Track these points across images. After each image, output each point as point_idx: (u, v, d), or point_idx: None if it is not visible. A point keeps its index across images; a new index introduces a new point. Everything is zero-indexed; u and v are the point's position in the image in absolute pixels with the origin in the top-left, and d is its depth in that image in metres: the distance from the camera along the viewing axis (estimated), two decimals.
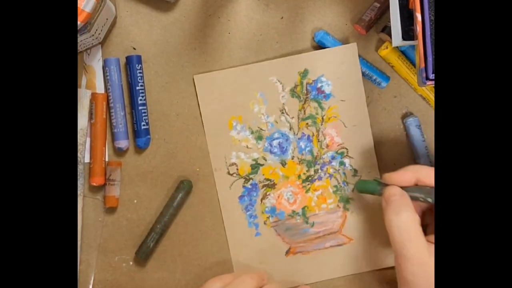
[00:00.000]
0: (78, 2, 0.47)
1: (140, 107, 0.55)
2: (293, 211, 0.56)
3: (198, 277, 0.56)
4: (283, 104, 0.56)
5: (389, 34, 0.54)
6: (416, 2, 0.47)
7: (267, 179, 0.56)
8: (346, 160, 0.56)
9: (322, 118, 0.56)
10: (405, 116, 0.56)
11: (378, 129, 0.56)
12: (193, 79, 0.56)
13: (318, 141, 0.56)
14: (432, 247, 0.46)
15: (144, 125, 0.55)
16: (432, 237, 0.48)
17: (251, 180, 0.56)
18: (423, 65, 0.47)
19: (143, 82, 0.55)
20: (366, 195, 0.56)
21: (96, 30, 0.52)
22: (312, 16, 0.56)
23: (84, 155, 0.55)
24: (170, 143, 0.56)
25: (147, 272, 0.56)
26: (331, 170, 0.56)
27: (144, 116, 0.55)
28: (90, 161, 0.55)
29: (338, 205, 0.57)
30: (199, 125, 0.56)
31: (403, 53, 0.56)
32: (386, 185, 0.50)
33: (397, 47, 0.55)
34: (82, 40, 0.52)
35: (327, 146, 0.56)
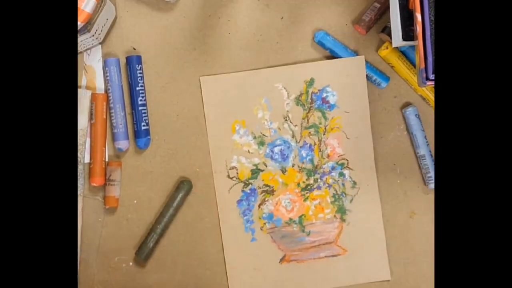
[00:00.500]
0: (78, 2, 0.47)
1: (140, 108, 0.55)
2: (290, 219, 0.56)
3: (198, 277, 0.56)
4: (287, 111, 0.56)
5: (389, 35, 0.54)
6: (416, 2, 0.47)
7: (266, 185, 0.56)
8: (346, 172, 0.56)
9: (325, 128, 0.56)
10: (404, 106, 0.56)
11: (377, 129, 0.56)
12: (199, 81, 0.56)
13: (320, 151, 0.56)
14: None
15: (144, 125, 0.55)
16: None
17: (250, 185, 0.56)
18: (423, 65, 0.47)
19: (143, 83, 0.55)
20: (364, 208, 0.56)
21: (96, 30, 0.52)
22: (312, 16, 0.56)
23: (84, 156, 0.55)
24: (170, 144, 0.56)
25: (147, 273, 0.56)
26: (330, 180, 0.56)
27: (144, 116, 0.55)
28: (90, 162, 0.55)
29: (335, 216, 0.57)
30: (199, 126, 0.56)
31: (403, 53, 0.56)
32: None
33: (397, 47, 0.55)
34: (82, 41, 0.52)
35: (328, 156, 0.56)
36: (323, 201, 0.56)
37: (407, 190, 0.57)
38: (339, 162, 0.56)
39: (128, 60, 0.55)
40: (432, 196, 0.57)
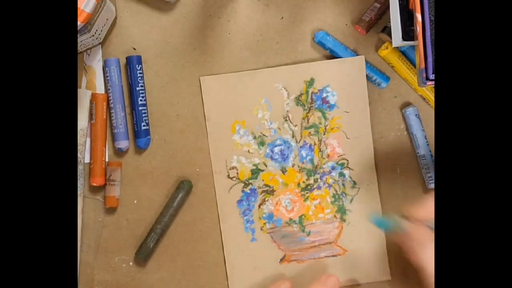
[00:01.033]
0: (78, 2, 0.47)
1: (140, 108, 0.55)
2: (290, 219, 0.56)
3: (198, 277, 0.56)
4: (287, 111, 0.56)
5: (389, 35, 0.54)
6: (416, 2, 0.47)
7: (267, 185, 0.56)
8: (346, 172, 0.56)
9: (325, 128, 0.56)
10: (404, 106, 0.56)
11: (377, 129, 0.56)
12: (199, 81, 0.56)
13: (320, 151, 0.56)
14: None
15: (144, 125, 0.55)
16: None
17: (250, 185, 0.56)
18: (423, 65, 0.47)
19: (143, 83, 0.55)
20: (364, 208, 0.56)
21: (96, 30, 0.52)
22: (312, 16, 0.56)
23: (84, 156, 0.55)
24: (170, 144, 0.56)
25: (147, 272, 0.56)
26: (330, 180, 0.56)
27: (144, 116, 0.55)
28: (90, 162, 0.55)
29: (335, 216, 0.57)
30: (199, 126, 0.56)
31: (403, 53, 0.56)
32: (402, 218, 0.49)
33: (397, 47, 0.55)
34: (82, 41, 0.52)
35: (328, 156, 0.56)
36: (323, 201, 0.56)
37: (407, 190, 0.57)
38: (339, 162, 0.56)
39: (128, 60, 0.55)
40: None
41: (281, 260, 0.57)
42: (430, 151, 0.56)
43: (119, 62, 0.55)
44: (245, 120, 0.56)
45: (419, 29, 0.47)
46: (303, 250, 0.57)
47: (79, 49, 0.54)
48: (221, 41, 0.56)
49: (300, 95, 0.56)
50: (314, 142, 0.56)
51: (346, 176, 0.56)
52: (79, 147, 0.55)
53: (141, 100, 0.55)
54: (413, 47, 0.55)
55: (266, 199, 0.56)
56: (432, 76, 0.46)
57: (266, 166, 0.56)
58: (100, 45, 0.56)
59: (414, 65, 0.55)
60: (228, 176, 0.56)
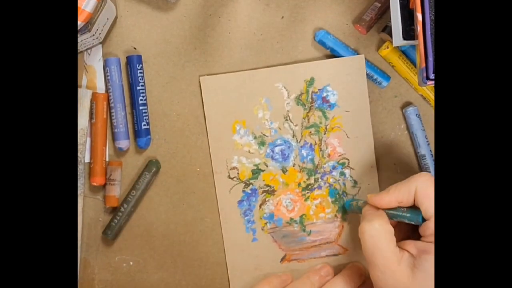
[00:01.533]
0: (79, 1, 0.47)
1: (140, 107, 0.55)
2: (291, 219, 0.56)
3: (198, 277, 0.56)
4: (288, 111, 0.56)
5: (390, 34, 0.54)
6: (417, 2, 0.47)
7: (267, 185, 0.56)
8: (347, 171, 0.56)
9: (326, 128, 0.56)
10: (404, 106, 0.56)
11: (378, 129, 0.56)
12: (199, 80, 0.56)
13: (320, 150, 0.56)
14: (406, 255, 0.46)
15: (144, 125, 0.55)
16: (407, 244, 0.48)
17: (251, 185, 0.56)
18: (423, 65, 0.47)
19: (143, 82, 0.55)
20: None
21: (97, 30, 0.52)
22: (313, 15, 0.56)
23: (84, 155, 0.55)
24: (170, 143, 0.56)
25: (147, 272, 0.56)
26: (331, 180, 0.56)
27: (145, 116, 0.55)
28: (91, 161, 0.55)
29: (336, 215, 0.57)
30: (199, 125, 0.56)
31: (404, 53, 0.56)
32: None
33: (397, 47, 0.55)
34: (83, 40, 0.52)
35: (329, 155, 0.56)
36: (324, 201, 0.56)
37: None
38: (340, 162, 0.56)
39: (129, 59, 0.55)
40: None
41: (282, 259, 0.57)
42: (430, 150, 0.56)
43: (119, 62, 0.55)
44: (245, 120, 0.56)
45: (419, 28, 0.47)
46: (303, 249, 0.57)
47: (80, 48, 0.54)
48: (222, 40, 0.56)
49: (301, 94, 0.56)
50: (315, 142, 0.56)
51: (347, 176, 0.56)
52: (79, 147, 0.55)
53: (141, 100, 0.55)
54: (413, 46, 0.55)
55: (267, 199, 0.56)
56: (432, 76, 0.46)
57: (266, 166, 0.56)
58: (101, 45, 0.56)
59: (415, 65, 0.55)
60: (229, 176, 0.56)
